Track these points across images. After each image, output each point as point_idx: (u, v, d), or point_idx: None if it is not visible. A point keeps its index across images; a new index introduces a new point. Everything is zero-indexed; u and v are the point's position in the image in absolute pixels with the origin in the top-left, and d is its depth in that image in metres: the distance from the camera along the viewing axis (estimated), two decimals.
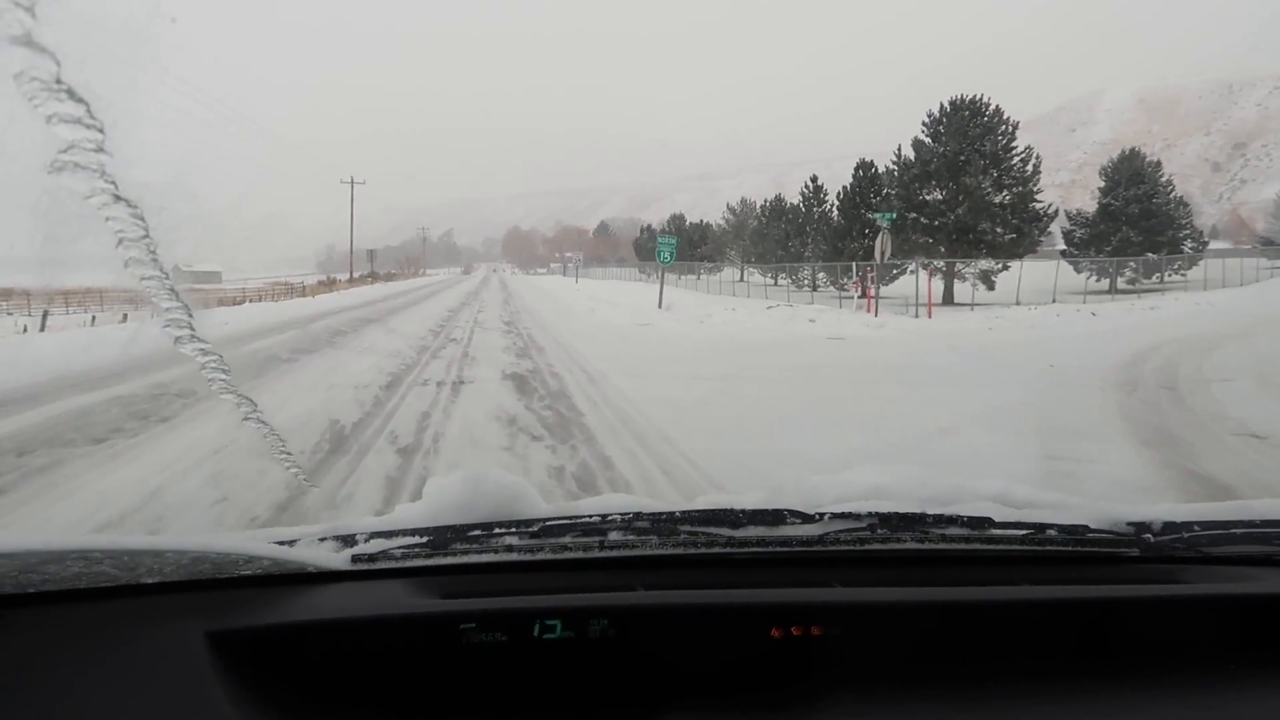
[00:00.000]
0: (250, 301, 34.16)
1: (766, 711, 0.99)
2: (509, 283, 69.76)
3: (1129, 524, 1.37)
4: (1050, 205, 34.62)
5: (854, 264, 28.58)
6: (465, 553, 1.18)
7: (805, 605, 1.10)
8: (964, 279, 33.16)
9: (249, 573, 1.08)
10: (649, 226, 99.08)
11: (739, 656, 1.07)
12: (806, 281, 48.22)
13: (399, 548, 1.17)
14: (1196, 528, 1.37)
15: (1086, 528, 1.33)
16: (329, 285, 60.20)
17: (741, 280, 62.13)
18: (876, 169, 42.74)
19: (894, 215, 24.62)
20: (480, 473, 1.32)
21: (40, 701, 0.83)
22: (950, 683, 1.05)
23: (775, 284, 53.33)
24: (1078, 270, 41.83)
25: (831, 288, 43.29)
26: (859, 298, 26.57)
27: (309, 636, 1.00)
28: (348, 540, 1.20)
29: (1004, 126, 33.75)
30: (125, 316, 18.51)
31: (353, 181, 74.31)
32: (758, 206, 65.19)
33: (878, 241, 20.41)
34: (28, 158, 1.22)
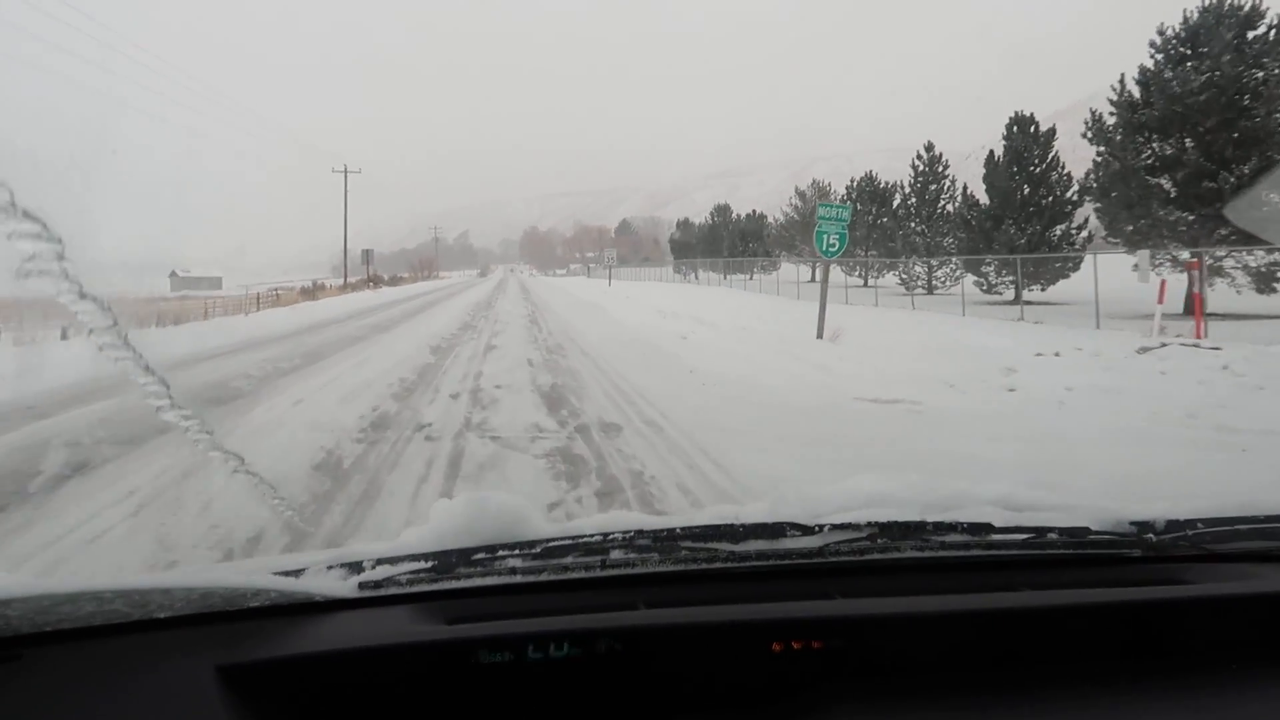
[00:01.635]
0: (195, 320, 24.14)
1: None
2: (530, 287, 58.20)
3: (1131, 524, 1.35)
4: None
5: (1148, 253, 16.74)
6: (470, 576, 1.18)
7: (805, 620, 1.10)
8: (1229, 277, 21.50)
9: (257, 604, 1.08)
10: (685, 220, 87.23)
11: (741, 672, 1.07)
12: (919, 282, 36.55)
13: (404, 573, 1.17)
14: (1200, 525, 1.34)
15: (1088, 530, 1.31)
16: (312, 293, 49.25)
17: (812, 280, 50.46)
18: (1038, 125, 30.90)
19: None
20: (483, 496, 1.32)
21: None
22: (952, 692, 1.04)
23: (865, 285, 41.73)
24: None
25: (973, 287, 31.56)
26: (1161, 309, 14.83)
27: (317, 667, 1.01)
28: (354, 567, 1.20)
29: None
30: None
31: (346, 170, 63.30)
32: (839, 189, 53.24)
33: None
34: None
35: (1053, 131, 30.73)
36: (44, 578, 1.04)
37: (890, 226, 40.60)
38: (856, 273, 44.35)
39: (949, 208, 37.48)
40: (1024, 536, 1.29)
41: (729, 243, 67.52)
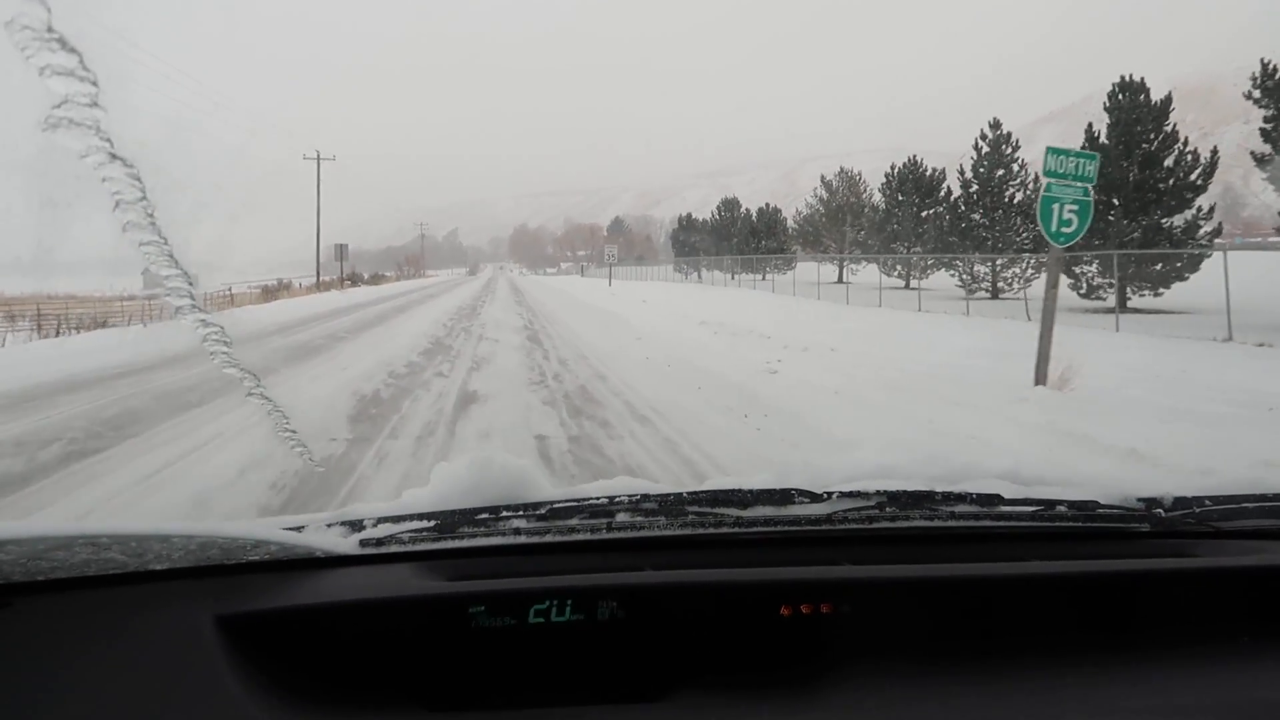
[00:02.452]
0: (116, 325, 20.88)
1: (777, 689, 0.98)
2: (523, 287, 52.17)
3: (1139, 500, 1.34)
4: None
5: None
6: (473, 536, 1.15)
7: (815, 583, 1.08)
8: None
9: (257, 558, 1.07)
10: (687, 216, 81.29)
11: (748, 635, 1.06)
12: (982, 282, 30.89)
13: (406, 532, 1.15)
14: (1208, 502, 1.34)
15: (1096, 504, 1.31)
16: (274, 293, 43.10)
17: (840, 280, 44.63)
18: (1149, 93, 25.21)
19: None
20: (487, 456, 1.29)
21: (53, 686, 0.83)
22: (960, 658, 1.04)
23: (907, 287, 36.00)
24: None
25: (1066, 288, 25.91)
26: None
27: (317, 619, 0.99)
28: (355, 525, 1.18)
29: None
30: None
31: (319, 158, 56.97)
32: (874, 179, 47.34)
33: None
34: (23, 115, 1.18)
35: (1168, 101, 25.06)
36: (38, 521, 0.95)
37: (945, 217, 34.79)
38: (896, 272, 38.59)
39: (1018, 195, 31.74)
40: (1033, 509, 1.28)
41: (739, 239, 61.81)
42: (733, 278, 57.99)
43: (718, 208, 69.10)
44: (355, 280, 66.36)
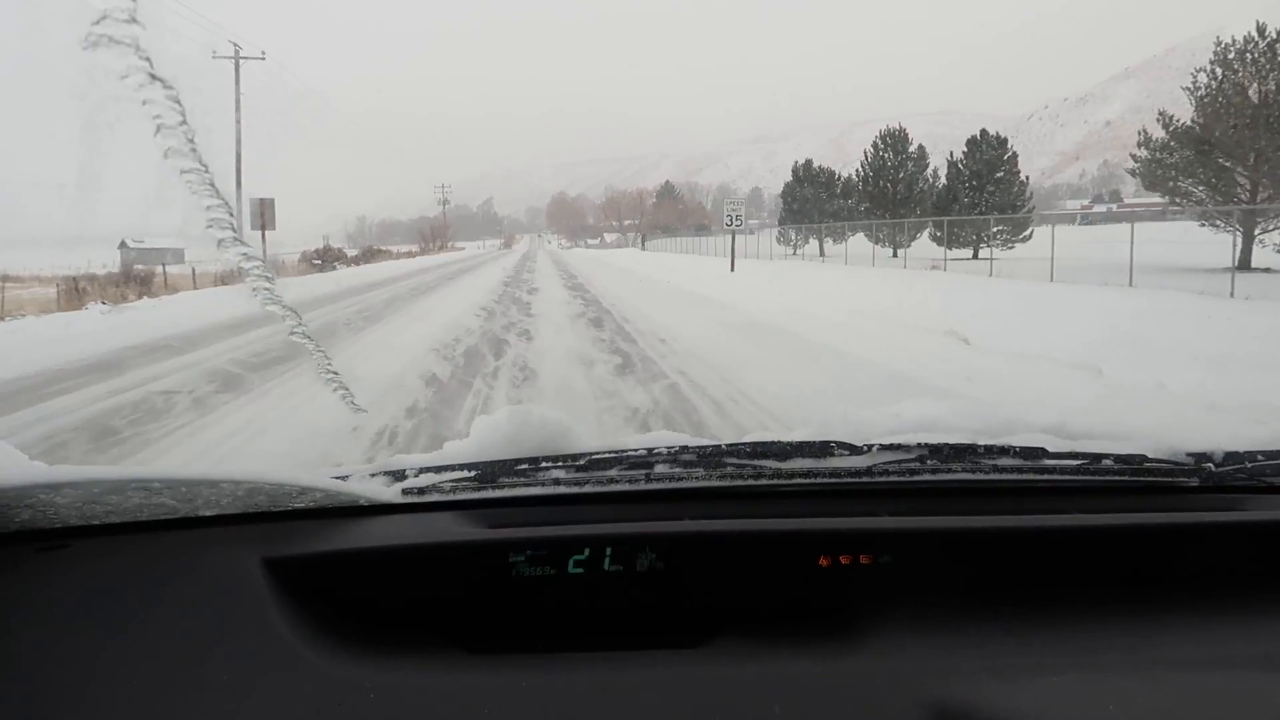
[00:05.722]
0: None
1: (816, 636, 0.98)
2: (586, 277, 29.26)
3: (1189, 454, 1.30)
4: None
5: None
6: (513, 486, 1.18)
7: (854, 533, 1.08)
8: None
9: (303, 505, 1.10)
10: (806, 163, 57.41)
11: (786, 585, 1.06)
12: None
13: (448, 481, 1.18)
14: (1260, 457, 1.29)
15: (1144, 457, 1.27)
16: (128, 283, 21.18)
17: (1244, 264, 21.23)
18: None
19: None
20: (526, 408, 1.30)
21: (109, 624, 0.86)
22: (1002, 607, 1.03)
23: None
24: None
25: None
26: None
27: (362, 563, 1.02)
28: (398, 475, 1.21)
29: None
30: None
31: (237, 54, 34.06)
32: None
33: None
34: (63, 35, 1.16)
35: None
36: (90, 467, 0.96)
37: None
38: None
39: None
40: (1078, 462, 1.25)
41: (935, 193, 38.31)
42: (895, 254, 34.85)
43: (874, 144, 45.17)
44: (326, 260, 43.96)
